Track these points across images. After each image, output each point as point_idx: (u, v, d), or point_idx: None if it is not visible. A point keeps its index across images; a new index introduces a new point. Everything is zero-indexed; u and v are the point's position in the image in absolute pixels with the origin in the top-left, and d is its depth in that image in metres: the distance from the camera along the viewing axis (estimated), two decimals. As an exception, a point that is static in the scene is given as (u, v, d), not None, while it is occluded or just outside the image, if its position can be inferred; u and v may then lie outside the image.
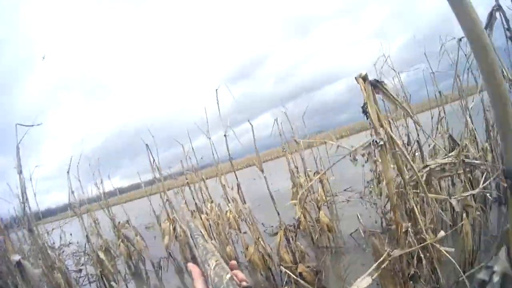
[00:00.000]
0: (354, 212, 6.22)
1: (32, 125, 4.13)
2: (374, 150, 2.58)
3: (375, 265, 2.18)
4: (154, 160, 6.26)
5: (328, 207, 6.44)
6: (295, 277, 3.53)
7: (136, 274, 7.10)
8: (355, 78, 2.46)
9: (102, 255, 5.33)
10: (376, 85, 2.42)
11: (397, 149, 2.47)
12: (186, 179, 6.31)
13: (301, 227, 5.26)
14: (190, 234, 1.12)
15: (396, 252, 2.37)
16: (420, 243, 2.52)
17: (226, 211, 5.97)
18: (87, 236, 5.83)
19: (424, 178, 3.24)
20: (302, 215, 5.14)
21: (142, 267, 7.13)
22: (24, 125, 4.11)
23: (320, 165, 7.09)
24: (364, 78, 2.42)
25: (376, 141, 2.45)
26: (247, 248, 4.82)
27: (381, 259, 2.27)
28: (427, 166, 3.28)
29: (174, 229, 5.83)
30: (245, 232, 5.53)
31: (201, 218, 5.52)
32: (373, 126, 2.48)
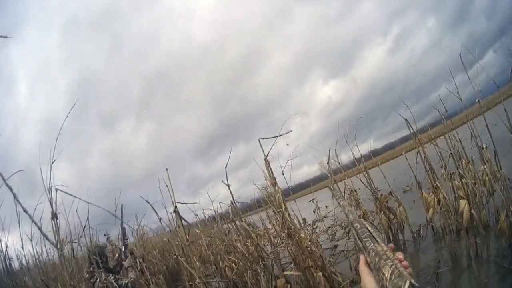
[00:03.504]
0: None
1: (278, 135, 4.71)
2: None
3: None
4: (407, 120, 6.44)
5: None
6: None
7: (394, 246, 7.25)
8: None
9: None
10: None
11: None
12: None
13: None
14: (357, 236, 1.20)
15: None
16: None
17: (482, 173, 5.87)
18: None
19: None
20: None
21: (400, 237, 7.55)
22: (266, 138, 4.74)
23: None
24: None
25: None
26: (497, 212, 5.12)
27: None
28: None
29: (439, 201, 5.80)
30: (495, 191, 5.46)
31: (461, 181, 5.59)
32: None
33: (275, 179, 5.06)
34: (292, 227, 5.27)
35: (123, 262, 4.97)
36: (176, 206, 4.64)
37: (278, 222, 6.02)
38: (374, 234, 1.12)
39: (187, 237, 4.63)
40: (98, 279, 4.33)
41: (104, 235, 7.93)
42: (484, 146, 6.01)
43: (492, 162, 5.86)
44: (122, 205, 5.59)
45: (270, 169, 5.02)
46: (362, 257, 1.12)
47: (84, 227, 5.08)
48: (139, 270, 5.21)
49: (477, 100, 5.36)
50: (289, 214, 5.31)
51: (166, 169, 4.77)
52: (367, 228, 1.17)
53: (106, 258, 4.91)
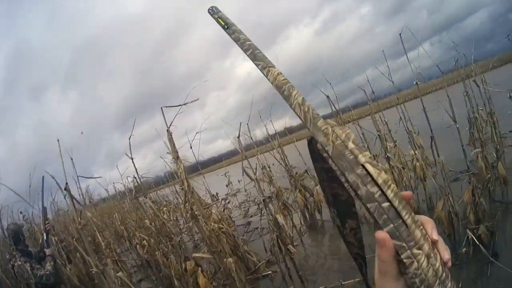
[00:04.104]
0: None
1: (183, 104, 4.27)
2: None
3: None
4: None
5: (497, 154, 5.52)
6: (475, 240, 3.69)
7: (312, 226, 7.46)
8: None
9: (281, 219, 5.24)
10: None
11: None
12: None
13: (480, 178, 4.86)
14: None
15: None
16: None
17: (412, 158, 5.70)
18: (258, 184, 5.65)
19: None
20: (484, 165, 4.78)
21: (318, 217, 7.42)
22: (171, 106, 4.44)
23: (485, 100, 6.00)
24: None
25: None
26: (429, 198, 5.29)
27: None
28: None
29: None
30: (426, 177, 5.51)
31: (389, 164, 5.33)
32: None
33: (177, 153, 4.47)
34: (196, 207, 4.74)
35: (45, 250, 4.44)
36: (67, 184, 4.05)
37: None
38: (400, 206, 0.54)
39: (80, 219, 4.08)
40: (15, 261, 4.04)
41: (21, 212, 7.29)
42: (412, 130, 6.07)
43: (424, 148, 5.87)
44: (43, 177, 4.92)
45: (172, 141, 4.43)
46: (388, 242, 0.55)
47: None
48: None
49: (414, 83, 5.12)
50: (193, 192, 4.78)
51: (58, 140, 4.22)
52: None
53: (24, 237, 4.49)
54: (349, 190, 0.61)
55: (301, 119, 0.60)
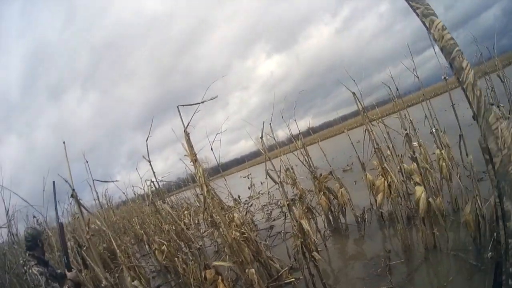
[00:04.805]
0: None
1: (200, 102, 3.99)
2: None
3: None
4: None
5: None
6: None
7: (336, 230, 7.23)
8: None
9: (306, 225, 4.99)
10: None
11: None
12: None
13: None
14: None
15: None
16: None
17: (438, 158, 5.60)
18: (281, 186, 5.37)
19: None
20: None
21: (342, 220, 7.17)
22: (188, 105, 4.19)
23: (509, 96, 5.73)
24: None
25: None
26: (455, 200, 5.10)
27: None
28: None
29: (389, 185, 5.25)
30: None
31: (418, 166, 4.94)
32: None
33: (195, 155, 4.16)
34: (217, 215, 4.44)
35: (67, 272, 4.00)
36: (74, 190, 3.83)
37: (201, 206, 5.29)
38: None
39: (88, 228, 3.80)
40: (30, 269, 3.66)
41: (34, 217, 7.18)
42: (438, 128, 5.82)
43: (450, 147, 5.68)
44: (53, 182, 4.32)
45: (190, 143, 4.11)
46: None
47: (8, 211, 5.26)
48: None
49: (443, 77, 4.96)
50: (213, 197, 4.47)
51: (64, 143, 4.04)
52: None
53: (42, 244, 4.10)
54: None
55: (469, 102, 0.41)
